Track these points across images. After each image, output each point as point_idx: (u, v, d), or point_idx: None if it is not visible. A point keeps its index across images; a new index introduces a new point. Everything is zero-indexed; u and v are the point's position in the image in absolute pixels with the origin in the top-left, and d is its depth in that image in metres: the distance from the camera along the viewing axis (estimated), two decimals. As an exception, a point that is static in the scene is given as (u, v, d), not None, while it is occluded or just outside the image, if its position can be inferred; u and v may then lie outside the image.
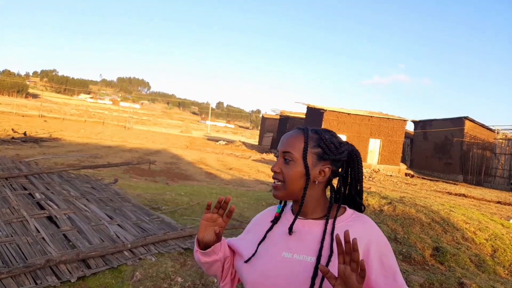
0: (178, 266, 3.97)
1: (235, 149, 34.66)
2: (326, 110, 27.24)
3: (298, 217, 1.10)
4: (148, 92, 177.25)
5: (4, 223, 3.97)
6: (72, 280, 3.29)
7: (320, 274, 0.97)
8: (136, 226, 4.72)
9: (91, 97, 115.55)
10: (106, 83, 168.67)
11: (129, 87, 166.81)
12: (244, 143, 44.50)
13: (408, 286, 3.34)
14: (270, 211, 1.23)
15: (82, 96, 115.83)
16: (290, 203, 1.19)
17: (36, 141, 16.84)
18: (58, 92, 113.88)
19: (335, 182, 1.18)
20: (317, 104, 29.64)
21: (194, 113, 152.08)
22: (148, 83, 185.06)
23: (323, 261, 1.00)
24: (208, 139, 46.55)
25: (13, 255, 3.48)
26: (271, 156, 30.45)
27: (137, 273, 3.63)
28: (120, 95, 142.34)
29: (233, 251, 1.22)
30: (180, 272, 3.85)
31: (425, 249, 4.58)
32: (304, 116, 33.13)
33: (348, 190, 1.16)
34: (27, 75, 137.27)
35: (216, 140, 45.26)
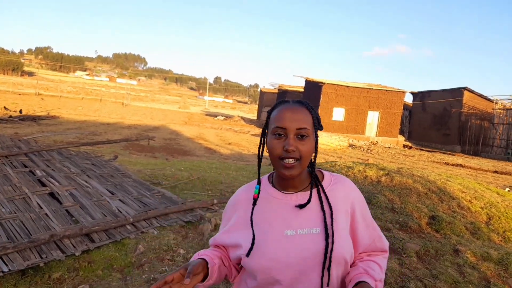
0: (180, 238, 4.07)
1: (234, 124, 34.62)
2: (324, 83, 27.03)
3: (286, 192, 1.09)
4: (144, 68, 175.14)
5: (7, 200, 4.02)
6: (77, 254, 3.38)
7: (330, 242, 1.00)
8: (137, 201, 4.80)
9: (87, 74, 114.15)
10: (102, 59, 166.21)
11: (126, 63, 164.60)
12: (242, 118, 44.39)
13: (404, 254, 3.40)
14: (245, 193, 1.15)
15: (78, 73, 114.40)
16: (264, 178, 1.15)
17: (34, 119, 16.79)
18: (54, 70, 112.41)
19: None
20: (316, 77, 29.38)
21: (191, 88, 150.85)
22: (144, 58, 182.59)
23: (330, 227, 1.02)
24: (206, 115, 46.40)
25: (17, 231, 3.55)
26: (270, 131, 30.38)
27: (140, 246, 3.72)
28: (116, 71, 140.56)
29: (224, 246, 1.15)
30: (182, 244, 3.94)
31: (422, 218, 4.67)
32: (303, 90, 32.89)
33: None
34: (21, 52, 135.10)
35: (215, 115, 45.13)
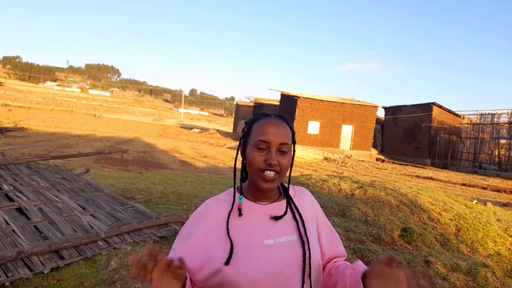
0: (154, 254, 3.98)
1: (210, 137, 34.47)
2: (300, 97, 27.45)
3: (261, 203, 1.10)
4: (118, 79, 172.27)
5: (-30, 216, 3.83)
6: (45, 271, 3.24)
7: (307, 248, 1.05)
8: (110, 216, 4.67)
9: (58, 85, 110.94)
10: (73, 70, 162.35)
11: (98, 74, 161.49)
12: (218, 130, 44.29)
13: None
14: (215, 206, 1.10)
15: (48, 83, 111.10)
16: (237, 189, 1.14)
17: (1, 131, 16.13)
18: (23, 80, 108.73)
19: None
20: (291, 91, 29.82)
21: (166, 100, 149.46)
22: (118, 70, 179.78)
23: (304, 237, 1.08)
24: (181, 127, 46.03)
25: (-19, 249, 3.38)
26: (245, 144, 30.41)
27: (112, 262, 3.61)
28: (89, 82, 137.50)
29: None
30: (156, 260, 3.85)
31: (394, 230, 4.78)
32: (278, 103, 33.26)
33: None
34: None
35: (190, 128, 44.83)
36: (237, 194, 1.12)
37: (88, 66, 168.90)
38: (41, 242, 3.67)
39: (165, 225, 4.67)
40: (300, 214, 1.11)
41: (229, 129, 56.84)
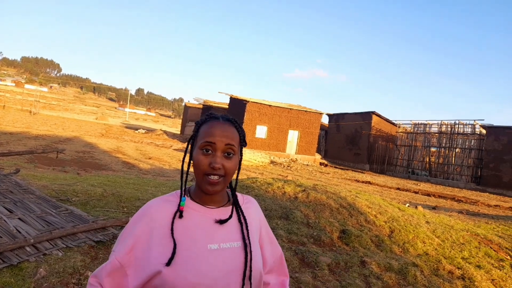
0: (89, 260, 3.77)
1: (156, 138, 33.54)
2: (248, 101, 27.68)
3: (208, 206, 1.08)
4: (58, 74, 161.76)
5: None
6: (-39, 282, 2.93)
7: (249, 256, 1.05)
8: (40, 220, 4.35)
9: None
10: (7, 62, 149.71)
11: (36, 68, 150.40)
12: (165, 132, 43.26)
13: (317, 267, 3.56)
14: (156, 208, 1.05)
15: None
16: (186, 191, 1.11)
17: None
18: None
19: None
20: (240, 95, 29.98)
21: (111, 99, 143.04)
22: (58, 64, 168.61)
23: (247, 244, 1.07)
24: (126, 127, 44.31)
25: None
26: (193, 146, 30.00)
27: (41, 269, 3.36)
28: (25, 76, 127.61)
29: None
30: (91, 266, 3.65)
31: (333, 232, 4.96)
32: (227, 107, 33.27)
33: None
34: None
35: (136, 128, 43.30)
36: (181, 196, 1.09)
37: (25, 59, 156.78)
38: (-43, 249, 3.31)
39: (102, 229, 4.44)
40: (246, 221, 1.10)
41: (177, 130, 55.74)
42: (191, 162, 1.10)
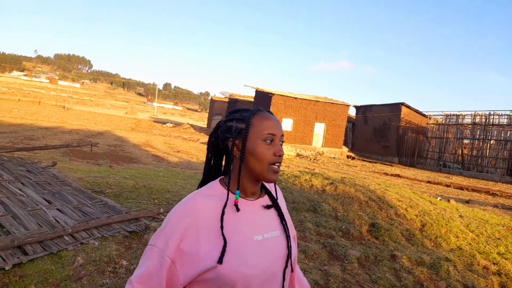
0: (123, 249, 3.91)
1: (183, 131, 34.09)
2: (274, 94, 27.58)
3: (249, 199, 1.10)
4: (89, 71, 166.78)
5: None
6: (7, 268, 3.12)
7: (289, 242, 1.11)
8: (77, 210, 4.54)
9: (25, 75, 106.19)
10: (42, 60, 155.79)
11: (68, 65, 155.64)
12: (192, 125, 43.87)
13: (346, 260, 3.54)
14: (203, 202, 1.04)
15: (15, 73, 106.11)
16: (218, 185, 1.10)
17: (-40, 121, 15.30)
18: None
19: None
20: (266, 88, 29.90)
21: (139, 94, 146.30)
22: (89, 61, 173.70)
23: (286, 232, 1.13)
24: (154, 121, 45.24)
25: None
26: (219, 139, 30.28)
27: (79, 258, 3.51)
28: (58, 73, 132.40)
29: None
30: (125, 255, 3.79)
31: (362, 225, 4.91)
32: (253, 100, 33.29)
33: None
34: None
35: (163, 122, 44.13)
36: (226, 189, 1.08)
37: (58, 56, 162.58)
38: (2, 238, 3.51)
39: (135, 220, 4.58)
40: (281, 209, 1.16)
41: (203, 124, 56.39)
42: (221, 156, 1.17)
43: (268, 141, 1.06)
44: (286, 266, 1.08)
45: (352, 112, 37.92)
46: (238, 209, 1.04)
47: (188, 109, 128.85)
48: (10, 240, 3.40)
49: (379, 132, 34.72)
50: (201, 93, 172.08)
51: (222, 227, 1.00)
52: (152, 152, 14.92)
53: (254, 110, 1.11)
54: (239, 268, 0.98)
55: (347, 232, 4.66)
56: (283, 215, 1.15)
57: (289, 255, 1.09)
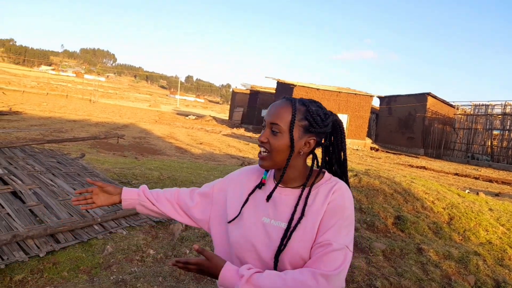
0: (150, 238, 4.00)
1: (205, 123, 34.38)
2: (296, 85, 27.38)
3: (279, 185, 1.14)
4: (114, 64, 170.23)
5: (-35, 199, 3.81)
6: (41, 255, 3.25)
7: (288, 237, 1.06)
8: (105, 201, 4.67)
9: (53, 69, 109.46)
10: (68, 54, 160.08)
11: (94, 59, 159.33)
12: (214, 117, 44.16)
13: (371, 253, 3.48)
14: (250, 172, 1.25)
15: (43, 67, 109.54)
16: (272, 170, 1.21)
17: (-6, 114, 15.96)
18: (17, 63, 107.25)
19: (317, 151, 1.22)
20: (287, 79, 29.71)
21: (162, 87, 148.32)
22: (113, 55, 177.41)
23: (293, 224, 1.06)
24: (177, 114, 45.81)
25: (-24, 232, 3.37)
26: (241, 131, 30.47)
27: (108, 246, 3.63)
28: (84, 67, 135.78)
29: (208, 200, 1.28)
30: (152, 244, 3.88)
31: (388, 218, 4.83)
32: (274, 91, 33.15)
33: (331, 160, 1.21)
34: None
35: (186, 114, 44.61)
36: (269, 173, 1.22)
37: (84, 51, 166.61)
38: (36, 226, 3.67)
39: (160, 211, 4.68)
40: (304, 206, 1.07)
41: (225, 116, 56.66)
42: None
43: (263, 127, 1.15)
44: (275, 260, 1.06)
45: (376, 102, 37.17)
46: (260, 186, 1.17)
47: (210, 101, 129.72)
48: (43, 228, 3.54)
49: (404, 123, 33.93)
50: (222, 85, 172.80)
51: (248, 197, 1.17)
52: (176, 144, 15.14)
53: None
54: (235, 234, 1.14)
55: (372, 225, 4.60)
56: (303, 211, 1.07)
57: (279, 248, 1.05)
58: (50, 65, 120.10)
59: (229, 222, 1.16)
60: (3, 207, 3.85)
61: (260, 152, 1.13)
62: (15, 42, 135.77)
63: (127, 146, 12.37)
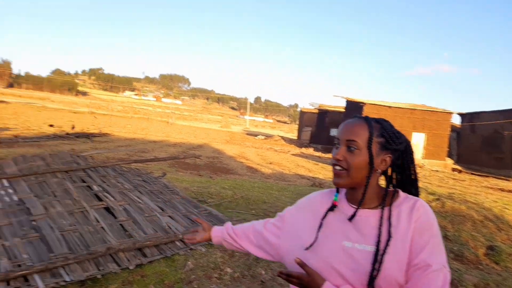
0: (227, 257, 4.11)
1: (274, 143, 34.74)
2: (365, 104, 26.60)
3: (352, 205, 1.13)
4: (188, 88, 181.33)
5: (68, 213, 4.28)
6: (131, 267, 3.52)
7: (379, 261, 1.01)
8: (185, 218, 4.93)
9: (136, 94, 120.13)
10: (149, 80, 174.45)
11: (171, 84, 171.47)
12: (282, 137, 44.48)
13: (461, 286, 3.21)
14: (319, 197, 1.25)
15: (127, 93, 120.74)
16: (343, 190, 1.21)
17: (88, 136, 17.83)
18: (105, 90, 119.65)
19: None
20: (356, 97, 29.01)
21: (233, 108, 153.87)
22: (188, 79, 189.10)
23: (382, 248, 1.03)
24: (247, 134, 46.97)
25: (77, 243, 3.76)
26: (310, 151, 30.23)
27: (189, 262, 3.80)
28: (162, 91, 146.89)
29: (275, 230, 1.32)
30: (229, 262, 3.98)
31: (478, 247, 4.41)
32: (343, 110, 32.51)
33: (402, 178, 1.20)
34: (76, 74, 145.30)
35: (255, 134, 45.55)
36: (341, 194, 1.20)
37: (162, 77, 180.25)
38: (126, 240, 3.98)
39: (236, 230, 4.79)
40: (390, 226, 1.05)
41: (293, 136, 56.75)
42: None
43: (335, 145, 1.14)
44: (370, 284, 1.01)
45: (456, 120, 34.50)
46: (332, 209, 1.16)
47: (278, 121, 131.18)
48: (132, 242, 3.83)
49: (489, 142, 30.92)
50: (290, 105, 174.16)
51: (321, 224, 1.15)
52: (246, 164, 15.49)
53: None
54: (316, 262, 1.10)
55: (460, 255, 4.23)
56: (389, 232, 1.04)
57: (372, 275, 1.00)
58: (133, 91, 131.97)
59: (306, 249, 1.13)
60: (98, 222, 4.26)
61: (334, 168, 1.12)
62: (104, 70, 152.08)
63: (202, 165, 12.96)
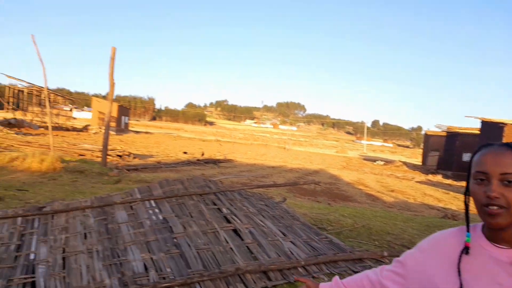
0: (350, 288, 4.00)
1: (395, 169, 32.59)
2: (507, 124, 23.08)
3: (500, 246, 1.00)
4: (304, 114, 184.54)
5: (202, 233, 4.76)
6: (257, 289, 3.70)
7: None
8: (306, 244, 4.97)
9: (255, 122, 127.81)
10: (267, 108, 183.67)
11: (287, 111, 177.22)
12: (404, 163, 41.48)
13: None
14: (443, 238, 1.12)
15: (248, 121, 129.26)
16: (477, 227, 1.08)
17: (215, 162, 19.56)
18: (229, 119, 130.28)
19: None
20: (495, 117, 25.41)
21: (348, 132, 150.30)
22: (303, 106, 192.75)
23: None
24: (364, 159, 45.15)
25: (210, 261, 4.14)
26: (438, 178, 27.42)
27: (312, 290, 3.81)
28: (279, 119, 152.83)
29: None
30: (353, 294, 3.86)
31: None
32: (478, 132, 28.79)
33: None
34: (205, 106, 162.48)
35: (373, 160, 43.48)
36: (477, 231, 1.07)
37: (279, 104, 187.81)
38: (252, 262, 4.22)
39: (359, 260, 4.64)
40: None
41: (417, 161, 52.33)
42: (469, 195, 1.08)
43: (479, 180, 1.00)
44: None
45: None
46: (466, 252, 1.02)
47: (399, 145, 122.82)
48: (258, 264, 4.04)
49: None
50: (412, 128, 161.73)
51: (459, 268, 1.01)
52: (365, 191, 14.87)
53: (481, 145, 1.06)
54: None
55: None
56: None
57: None
58: (253, 119, 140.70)
59: None
60: (227, 242, 4.61)
61: (487, 208, 0.97)
62: (228, 102, 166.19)
63: (319, 191, 12.92)
